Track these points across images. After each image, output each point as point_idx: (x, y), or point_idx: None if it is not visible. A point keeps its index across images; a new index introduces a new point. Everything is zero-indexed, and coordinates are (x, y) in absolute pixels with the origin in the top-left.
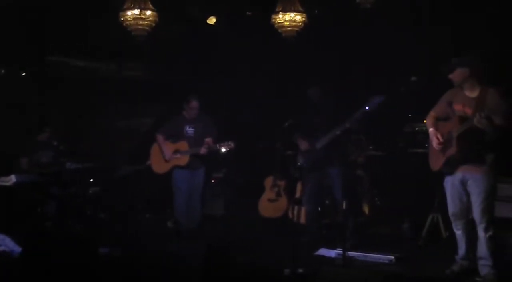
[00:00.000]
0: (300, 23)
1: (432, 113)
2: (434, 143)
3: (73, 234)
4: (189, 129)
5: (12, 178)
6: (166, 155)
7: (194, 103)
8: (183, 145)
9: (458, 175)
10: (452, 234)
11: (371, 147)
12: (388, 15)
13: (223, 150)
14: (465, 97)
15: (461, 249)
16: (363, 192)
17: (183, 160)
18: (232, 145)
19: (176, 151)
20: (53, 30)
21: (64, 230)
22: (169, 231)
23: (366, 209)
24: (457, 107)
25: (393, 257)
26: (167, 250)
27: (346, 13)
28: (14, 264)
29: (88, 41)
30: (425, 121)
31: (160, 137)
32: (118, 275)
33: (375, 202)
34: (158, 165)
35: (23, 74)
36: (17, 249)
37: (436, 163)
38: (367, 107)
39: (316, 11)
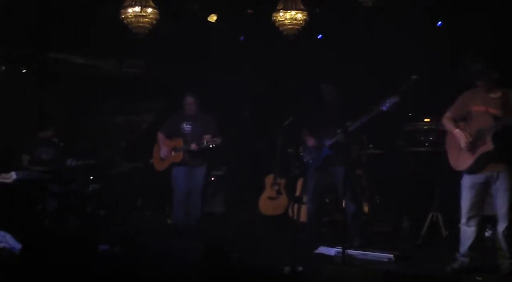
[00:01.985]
0: (301, 22)
1: (448, 115)
2: (463, 142)
3: (73, 231)
4: (186, 127)
5: (13, 175)
6: (162, 153)
7: (188, 99)
8: (178, 142)
9: (486, 173)
10: (452, 233)
11: (371, 146)
12: (389, 14)
13: (210, 146)
14: (487, 98)
15: (464, 246)
16: (363, 191)
17: (177, 157)
18: (218, 140)
19: (174, 148)
20: (53, 26)
21: (64, 227)
22: (169, 229)
23: (365, 208)
24: (479, 108)
25: (392, 255)
26: (166, 248)
27: (348, 12)
28: (14, 261)
29: (89, 37)
30: (426, 120)
31: (160, 136)
32: (117, 272)
33: (375, 201)
34: (157, 163)
35: (24, 71)
36: (18, 246)
37: (463, 162)
38: (384, 108)
39: (317, 10)
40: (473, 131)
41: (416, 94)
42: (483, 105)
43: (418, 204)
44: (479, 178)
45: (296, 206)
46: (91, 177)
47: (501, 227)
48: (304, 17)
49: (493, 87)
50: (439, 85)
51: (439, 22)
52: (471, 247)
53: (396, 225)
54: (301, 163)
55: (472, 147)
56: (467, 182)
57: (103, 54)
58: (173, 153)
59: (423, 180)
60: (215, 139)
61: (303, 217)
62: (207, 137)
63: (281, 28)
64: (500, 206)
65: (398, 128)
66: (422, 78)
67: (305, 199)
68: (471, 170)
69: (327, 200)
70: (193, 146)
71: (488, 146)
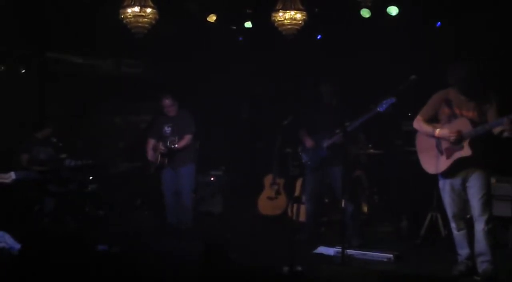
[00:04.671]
0: (301, 22)
1: (420, 118)
2: (452, 138)
3: (72, 231)
4: (167, 129)
5: (12, 175)
6: (149, 157)
7: (165, 102)
8: (159, 145)
9: (462, 175)
10: (451, 233)
11: (370, 145)
12: (388, 14)
13: (172, 146)
14: (460, 100)
15: (465, 249)
16: (362, 190)
17: (157, 159)
18: (175, 140)
19: (156, 151)
20: (52, 26)
21: (63, 227)
22: (167, 229)
23: (364, 208)
24: (453, 111)
25: (391, 255)
26: (165, 248)
27: (347, 12)
28: (13, 261)
29: (88, 37)
30: None
31: (149, 141)
32: (116, 272)
33: (374, 201)
34: (146, 167)
35: (23, 71)
36: (16, 245)
37: (438, 166)
38: (380, 109)
39: (316, 10)
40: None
41: (415, 94)
42: (457, 108)
43: (417, 204)
44: (456, 181)
45: (295, 206)
46: (90, 177)
47: (479, 226)
48: (304, 17)
49: (469, 90)
50: (439, 85)
51: (438, 23)
52: (472, 248)
53: (395, 225)
54: (299, 163)
55: (448, 150)
56: (445, 185)
57: (102, 54)
58: (158, 157)
59: (422, 179)
60: (174, 139)
61: (302, 217)
62: (170, 139)
63: (280, 28)
64: (474, 206)
65: (397, 128)
66: (421, 78)
67: (304, 199)
68: (447, 174)
69: (326, 200)
70: (162, 148)
71: (465, 151)
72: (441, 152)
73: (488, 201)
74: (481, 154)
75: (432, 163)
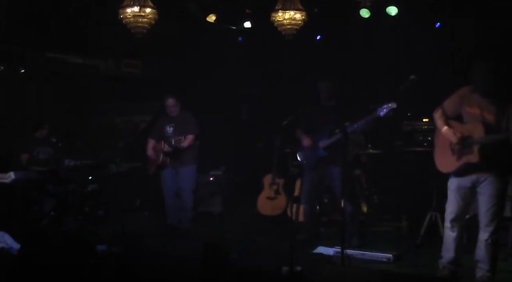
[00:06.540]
0: (300, 22)
1: (441, 110)
2: (453, 140)
3: (71, 231)
4: (169, 129)
5: (11, 175)
6: (150, 157)
7: (169, 101)
8: (160, 145)
9: (472, 177)
10: None
11: (369, 145)
12: (387, 14)
13: (178, 145)
14: (482, 101)
15: (450, 252)
16: (361, 191)
17: (157, 159)
18: (182, 140)
19: (157, 151)
20: (52, 27)
21: (62, 227)
22: (167, 229)
23: (364, 208)
24: (473, 110)
25: (391, 255)
26: (165, 248)
27: (346, 12)
28: (12, 261)
29: (88, 37)
30: (425, 120)
31: (150, 141)
32: (116, 272)
33: (373, 201)
34: (148, 167)
35: (22, 71)
36: (16, 246)
37: (447, 166)
38: (381, 114)
39: (316, 10)
40: (465, 135)
41: (414, 94)
42: (478, 108)
43: (417, 204)
44: (465, 181)
45: (294, 206)
46: (90, 177)
47: (483, 236)
48: (303, 17)
49: (488, 91)
50: (438, 85)
51: (438, 23)
52: (459, 253)
53: (395, 225)
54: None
55: (459, 151)
56: (453, 184)
57: (102, 54)
58: (160, 156)
59: (422, 179)
60: (180, 138)
61: (301, 217)
62: (176, 138)
63: (279, 28)
64: (484, 212)
65: (396, 128)
66: (420, 78)
67: None
68: (456, 173)
69: (326, 200)
70: (166, 148)
71: (474, 157)
72: (453, 152)
73: (497, 211)
74: (494, 160)
75: (444, 161)
